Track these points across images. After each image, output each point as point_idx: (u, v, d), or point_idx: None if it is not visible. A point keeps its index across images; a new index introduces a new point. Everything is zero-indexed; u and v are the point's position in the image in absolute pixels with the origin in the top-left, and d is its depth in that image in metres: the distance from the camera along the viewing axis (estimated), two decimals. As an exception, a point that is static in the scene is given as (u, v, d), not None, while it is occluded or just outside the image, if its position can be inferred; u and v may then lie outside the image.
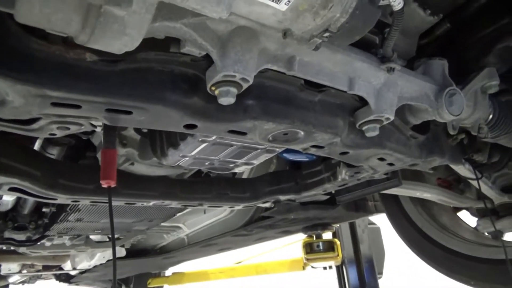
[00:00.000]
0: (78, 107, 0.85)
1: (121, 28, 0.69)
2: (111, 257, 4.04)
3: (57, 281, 5.58)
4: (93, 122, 0.96)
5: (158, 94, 0.89)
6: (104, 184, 1.05)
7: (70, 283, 5.53)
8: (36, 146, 1.72)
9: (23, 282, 5.49)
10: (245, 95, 0.99)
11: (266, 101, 1.03)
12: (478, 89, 1.40)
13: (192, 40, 0.82)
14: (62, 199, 1.58)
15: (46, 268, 4.46)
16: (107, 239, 3.39)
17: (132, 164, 1.78)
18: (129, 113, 0.90)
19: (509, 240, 2.31)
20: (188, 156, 1.42)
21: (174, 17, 0.76)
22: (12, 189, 1.50)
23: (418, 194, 2.21)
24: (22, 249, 2.95)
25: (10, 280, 5.02)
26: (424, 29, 1.42)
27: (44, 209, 2.38)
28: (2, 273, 4.48)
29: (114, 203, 1.69)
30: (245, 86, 0.91)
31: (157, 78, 0.89)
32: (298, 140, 1.18)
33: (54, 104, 0.83)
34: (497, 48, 1.39)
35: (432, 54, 1.42)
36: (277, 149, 1.44)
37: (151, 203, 1.79)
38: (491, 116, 1.46)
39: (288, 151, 1.58)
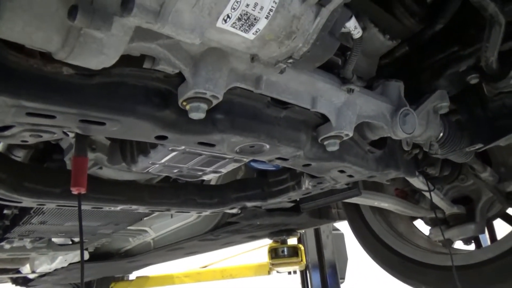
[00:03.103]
0: (52, 117, 0.88)
1: (99, 48, 0.74)
2: (73, 260, 3.97)
3: (14, 285, 5.39)
4: (66, 131, 0.99)
5: (131, 107, 0.94)
6: (75, 191, 1.08)
7: (27, 286, 5.36)
8: (1, 148, 1.71)
9: (-23, 285, 5.27)
10: (215, 110, 1.05)
11: (234, 116, 1.10)
12: (431, 109, 1.53)
13: (166, 59, 0.88)
14: (27, 202, 1.58)
15: (2, 271, 4.32)
16: (70, 242, 3.34)
17: (101, 168, 1.79)
18: (102, 124, 0.94)
19: (458, 248, 2.48)
20: (157, 164, 1.46)
21: (150, 38, 0.82)
22: (-1, 200, 1.49)
23: (376, 203, 2.34)
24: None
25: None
26: (383, 52, 1.53)
27: (5, 211, 2.34)
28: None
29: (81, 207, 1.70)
30: (214, 102, 0.98)
31: (130, 92, 0.93)
32: (264, 152, 1.25)
33: (29, 114, 0.86)
34: (447, 73, 1.53)
35: (391, 74, 1.53)
36: (245, 159, 1.51)
37: (119, 207, 1.81)
38: (441, 134, 1.59)
39: (255, 160, 1.65)
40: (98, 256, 3.91)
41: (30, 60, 0.80)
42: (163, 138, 1.07)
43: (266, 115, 1.16)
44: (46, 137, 1.00)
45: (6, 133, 0.96)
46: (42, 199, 1.58)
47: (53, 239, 3.16)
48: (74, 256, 3.95)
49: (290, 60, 0.86)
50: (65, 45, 0.72)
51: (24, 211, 2.18)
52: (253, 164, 1.85)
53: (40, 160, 1.82)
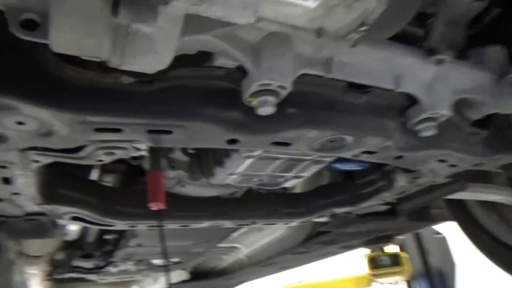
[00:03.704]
0: (119, 130, 0.85)
1: (150, 46, 0.68)
2: (175, 281, 4.09)
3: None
4: (137, 145, 0.96)
5: (195, 110, 0.87)
6: (153, 206, 1.04)
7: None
8: (94, 175, 1.78)
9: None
10: (285, 104, 0.94)
11: (307, 108, 0.98)
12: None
13: (224, 51, 0.80)
14: (119, 225, 1.61)
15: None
16: (170, 263, 3.43)
17: (183, 186, 1.78)
18: (169, 132, 0.89)
19: None
20: (235, 174, 1.39)
21: (203, 29, 0.74)
22: (74, 218, 1.55)
23: (485, 197, 2.00)
24: (91, 276, 3.06)
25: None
26: (471, 16, 1.29)
27: (106, 237, 2.46)
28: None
29: (168, 226, 1.70)
30: (283, 93, 0.87)
31: (193, 94, 0.87)
32: (346, 146, 1.10)
33: (97, 130, 0.84)
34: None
35: (483, 43, 1.29)
36: (326, 159, 1.37)
37: (204, 224, 1.77)
38: None
39: (339, 160, 1.50)
40: (197, 275, 3.98)
41: (89, 72, 0.77)
42: (235, 141, 0.98)
43: (343, 102, 1.02)
44: (119, 154, 0.98)
45: (81, 153, 0.95)
46: (131, 220, 1.60)
47: (153, 261, 3.27)
48: (176, 276, 4.07)
49: (363, 28, 0.73)
50: (115, 47, 0.68)
51: (121, 235, 2.27)
52: (336, 165, 1.69)
53: (128, 184, 1.87)
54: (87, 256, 2.73)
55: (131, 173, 1.82)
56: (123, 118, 0.81)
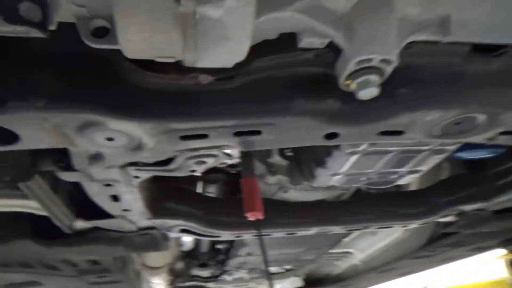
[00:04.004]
0: (205, 136, 0.77)
1: (222, 32, 0.58)
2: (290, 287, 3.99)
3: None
4: (227, 151, 0.87)
5: (284, 104, 0.75)
6: (250, 216, 0.95)
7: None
8: (199, 188, 1.78)
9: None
10: (392, 83, 0.76)
11: (421, 85, 0.78)
12: None
13: (309, 28, 0.66)
14: (224, 235, 1.57)
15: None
16: (283, 270, 3.36)
17: (286, 191, 1.68)
18: (258, 132, 0.78)
19: None
20: (339, 174, 1.23)
21: (281, 4, 0.62)
22: (182, 231, 1.56)
23: None
24: (209, 285, 3.14)
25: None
26: None
27: (218, 246, 2.48)
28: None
29: (273, 234, 1.60)
30: (388, 69, 0.70)
31: (279, 86, 0.75)
32: (478, 128, 0.87)
33: (182, 138, 0.77)
34: None
35: None
36: (449, 147, 1.13)
37: (311, 230, 1.63)
38: None
39: (464, 148, 1.23)
40: (312, 282, 3.84)
41: (166, 76, 0.71)
42: (334, 136, 0.83)
43: (469, 72, 0.79)
44: (210, 162, 0.91)
45: (172, 165, 0.90)
46: (236, 231, 1.54)
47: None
48: (290, 284, 3.98)
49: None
50: (186, 41, 0.59)
51: (231, 244, 2.25)
52: (461, 154, 1.40)
53: (231, 193, 1.83)
54: (203, 265, 2.80)
55: (233, 182, 1.78)
56: (206, 121, 0.73)
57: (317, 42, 0.68)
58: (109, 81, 0.71)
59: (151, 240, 1.56)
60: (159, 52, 0.62)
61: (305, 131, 0.80)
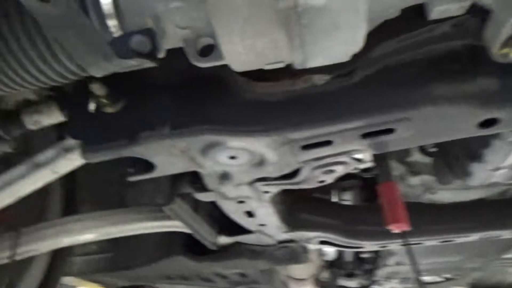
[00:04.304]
0: (329, 143, 0.69)
1: (330, 21, 0.50)
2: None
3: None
4: (357, 156, 0.77)
5: (419, 93, 0.61)
6: (394, 228, 0.81)
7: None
8: (334, 197, 1.68)
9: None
10: None
11: None
12: None
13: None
14: (368, 246, 1.43)
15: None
16: (442, 279, 2.98)
17: (434, 193, 1.45)
18: (391, 131, 0.66)
19: None
20: (503, 168, 0.99)
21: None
22: (322, 242, 1.48)
23: None
24: (359, 295, 2.96)
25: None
26: None
27: (363, 255, 2.32)
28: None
29: (425, 243, 1.39)
30: None
31: (410, 72, 0.62)
32: None
33: (304, 148, 0.70)
34: None
35: None
36: None
37: (472, 237, 1.37)
38: None
39: None
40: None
41: (279, 84, 0.65)
42: (492, 122, 0.66)
43: None
44: (340, 170, 0.81)
45: (299, 178, 0.84)
46: (380, 240, 1.39)
47: (423, 278, 2.89)
48: (450, 294, 3.52)
49: None
50: (292, 39, 0.53)
51: (377, 254, 2.07)
52: None
53: (370, 199, 1.68)
54: (350, 275, 2.66)
55: (369, 186, 1.63)
56: (327, 127, 0.65)
57: (454, 8, 0.54)
58: (223, 99, 0.69)
59: (291, 253, 1.53)
60: (265, 58, 0.57)
61: (452, 122, 0.65)
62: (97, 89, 0.73)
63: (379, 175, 0.85)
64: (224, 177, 0.89)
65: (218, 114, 0.69)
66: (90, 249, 1.84)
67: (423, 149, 1.31)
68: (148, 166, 0.82)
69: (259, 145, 0.70)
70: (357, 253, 2.44)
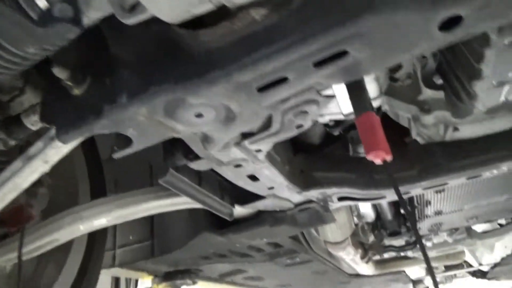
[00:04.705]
0: (284, 80, 0.66)
1: None
2: (515, 246, 3.33)
3: (475, 278, 5.17)
4: (326, 92, 0.73)
5: (359, 3, 0.57)
6: (374, 158, 0.76)
7: (488, 279, 4.98)
8: (351, 151, 1.62)
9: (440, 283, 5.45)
10: None
11: None
12: None
13: None
14: (389, 195, 1.37)
15: (450, 267, 4.24)
16: (495, 227, 2.81)
17: (457, 129, 1.36)
18: (343, 54, 0.62)
19: None
20: (507, 82, 0.90)
21: None
22: (341, 199, 1.44)
23: None
24: (409, 254, 2.88)
25: (426, 283, 5.09)
26: None
27: (402, 211, 2.24)
28: (414, 278, 4.61)
29: (449, 182, 1.31)
30: None
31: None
32: None
33: (261, 90, 0.68)
34: None
35: None
36: None
37: (502, 167, 1.27)
38: None
39: None
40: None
41: (217, 27, 0.63)
42: (454, 22, 0.59)
43: None
44: (314, 110, 0.78)
45: (275, 127, 0.81)
46: (401, 186, 1.32)
47: (473, 227, 2.75)
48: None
49: None
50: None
51: (413, 206, 1.99)
52: None
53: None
54: (394, 234, 2.58)
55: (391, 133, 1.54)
56: (273, 61, 0.62)
57: None
58: (174, 57, 0.68)
59: (313, 214, 1.50)
60: (188, 2, 0.55)
61: (408, 31, 0.59)
62: (59, 72, 0.75)
63: (354, 107, 0.80)
64: (205, 139, 0.88)
65: (170, 73, 0.68)
66: (128, 240, 1.93)
67: (430, 84, 1.22)
68: (128, 141, 0.83)
69: (215, 96, 0.69)
70: (396, 210, 2.36)
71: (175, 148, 1.04)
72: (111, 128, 0.77)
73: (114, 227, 1.94)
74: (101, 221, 1.11)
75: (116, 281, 3.10)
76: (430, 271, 0.76)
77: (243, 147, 0.95)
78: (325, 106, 0.75)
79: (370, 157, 0.76)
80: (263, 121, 0.80)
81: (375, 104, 1.21)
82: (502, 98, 0.98)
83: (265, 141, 0.91)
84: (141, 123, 0.76)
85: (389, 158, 0.75)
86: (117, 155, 0.85)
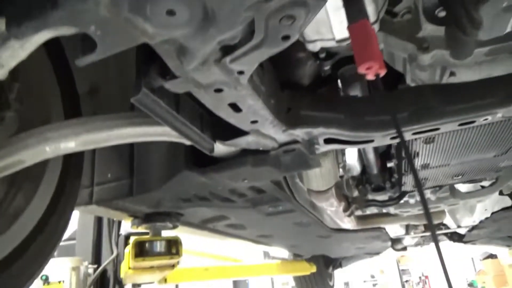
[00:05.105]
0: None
1: None
2: (495, 209, 3.37)
3: (451, 242, 5.30)
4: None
5: None
6: (367, 72, 0.68)
7: (464, 242, 5.12)
8: (341, 91, 1.54)
9: (417, 245, 5.59)
10: None
11: None
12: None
13: None
14: (378, 138, 1.31)
15: (426, 227, 4.31)
16: (479, 187, 2.82)
17: (453, 73, 1.28)
18: None
19: None
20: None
21: None
22: (327, 141, 1.38)
23: None
24: (391, 210, 2.90)
25: (405, 243, 5.21)
26: None
27: (388, 164, 2.20)
28: (393, 236, 4.69)
29: (441, 127, 1.25)
30: None
31: None
32: None
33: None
34: None
35: None
36: None
37: (497, 113, 1.21)
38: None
39: None
40: (525, 199, 3.11)
41: None
42: None
43: None
44: (302, 15, 0.68)
45: (258, 38, 0.72)
46: (389, 129, 1.26)
47: (457, 186, 2.75)
48: (493, 203, 3.35)
49: None
50: None
51: (400, 157, 1.95)
52: None
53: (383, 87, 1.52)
54: (378, 189, 2.57)
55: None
56: None
57: None
58: None
59: (298, 157, 1.44)
60: None
61: None
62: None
63: (348, 14, 0.71)
64: (181, 51, 0.79)
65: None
66: (106, 178, 1.87)
67: (432, 17, 1.13)
68: (93, 46, 0.74)
69: None
70: (383, 164, 2.33)
71: (150, 67, 0.94)
72: (70, 23, 0.67)
73: (92, 164, 1.87)
74: (68, 144, 1.03)
75: (99, 220, 3.08)
76: (429, 221, 0.70)
77: (223, 66, 0.87)
78: (315, 13, 0.66)
79: (361, 70, 0.68)
80: (244, 28, 0.71)
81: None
82: (509, 28, 0.90)
83: (247, 58, 0.82)
84: (105, 20, 0.67)
85: (382, 71, 0.67)
86: (80, 61, 0.75)
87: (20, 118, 1.24)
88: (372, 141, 1.34)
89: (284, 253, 5.47)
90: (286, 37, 0.73)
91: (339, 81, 1.47)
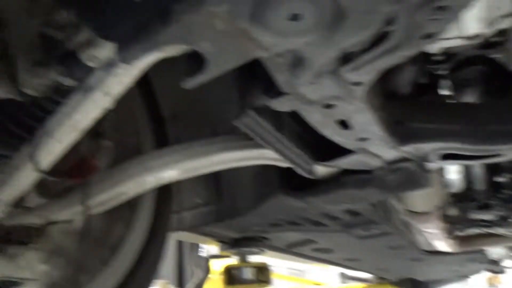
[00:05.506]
0: None
1: None
2: None
3: None
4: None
5: None
6: None
7: None
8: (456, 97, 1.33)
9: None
10: None
11: None
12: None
13: None
14: (508, 151, 1.09)
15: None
16: None
17: None
18: None
19: None
20: None
21: None
22: (444, 157, 1.18)
23: None
24: (498, 230, 2.52)
25: (504, 264, 4.58)
26: None
27: (498, 179, 1.90)
28: (494, 258, 4.16)
29: None
30: None
31: None
32: None
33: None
34: None
35: None
36: None
37: None
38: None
39: None
40: None
41: None
42: None
43: None
44: (454, 8, 0.54)
45: (394, 38, 0.59)
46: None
47: None
48: None
49: None
50: None
51: None
52: None
53: (498, 93, 1.29)
54: (484, 207, 2.25)
55: (495, 73, 1.23)
56: None
57: None
58: None
59: (406, 175, 1.26)
60: None
61: None
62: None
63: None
64: (298, 62, 0.68)
65: None
66: (193, 203, 1.83)
67: None
68: (199, 64, 0.66)
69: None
70: (490, 178, 2.03)
71: (252, 84, 0.86)
72: (181, 40, 0.60)
73: (178, 189, 1.84)
74: (171, 173, 0.97)
75: (179, 242, 3.08)
76: None
77: (338, 78, 0.75)
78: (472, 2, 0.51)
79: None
80: (378, 28, 0.58)
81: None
82: None
83: (371, 65, 0.70)
84: (220, 34, 0.59)
85: None
86: (189, 83, 0.68)
87: (116, 147, 1.23)
88: (498, 155, 1.12)
89: (361, 273, 5.13)
90: (427, 36, 0.59)
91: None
